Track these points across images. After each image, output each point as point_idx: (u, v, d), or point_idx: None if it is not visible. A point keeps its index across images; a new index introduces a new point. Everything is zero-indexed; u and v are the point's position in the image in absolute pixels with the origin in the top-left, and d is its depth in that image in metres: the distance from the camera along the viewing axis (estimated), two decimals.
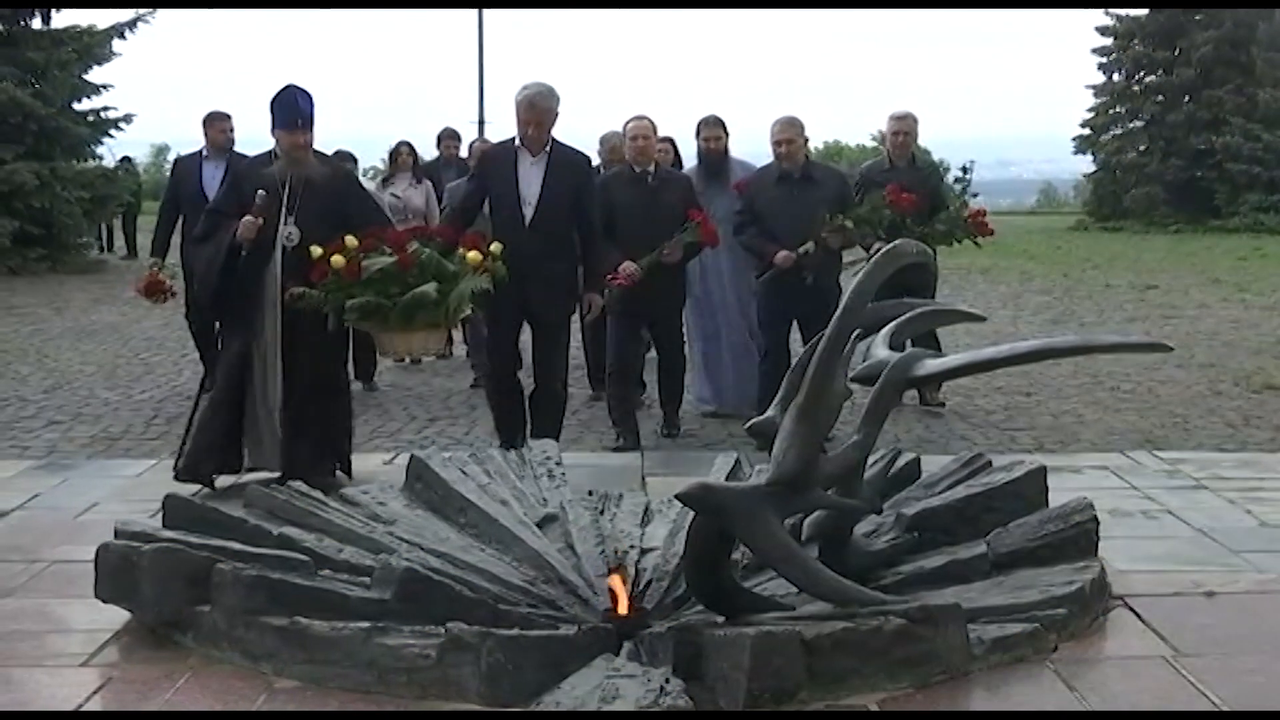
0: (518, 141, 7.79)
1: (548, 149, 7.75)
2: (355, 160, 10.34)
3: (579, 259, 7.97)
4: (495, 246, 6.98)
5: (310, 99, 7.22)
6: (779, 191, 8.86)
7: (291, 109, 7.17)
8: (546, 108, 7.69)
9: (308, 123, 7.21)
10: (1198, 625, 4.86)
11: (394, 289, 6.57)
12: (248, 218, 6.99)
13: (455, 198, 9.02)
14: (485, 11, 40.21)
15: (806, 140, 9.14)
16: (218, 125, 10.50)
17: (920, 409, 9.67)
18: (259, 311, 7.10)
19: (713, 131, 9.68)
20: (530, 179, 7.70)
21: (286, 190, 7.11)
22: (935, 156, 45.00)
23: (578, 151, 8.05)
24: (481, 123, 37.08)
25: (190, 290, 8.53)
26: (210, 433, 7.20)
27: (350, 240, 6.68)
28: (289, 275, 6.93)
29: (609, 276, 8.41)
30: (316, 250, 6.69)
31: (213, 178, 10.47)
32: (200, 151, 10.53)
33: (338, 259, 6.59)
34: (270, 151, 7.38)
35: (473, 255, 6.73)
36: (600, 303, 8.04)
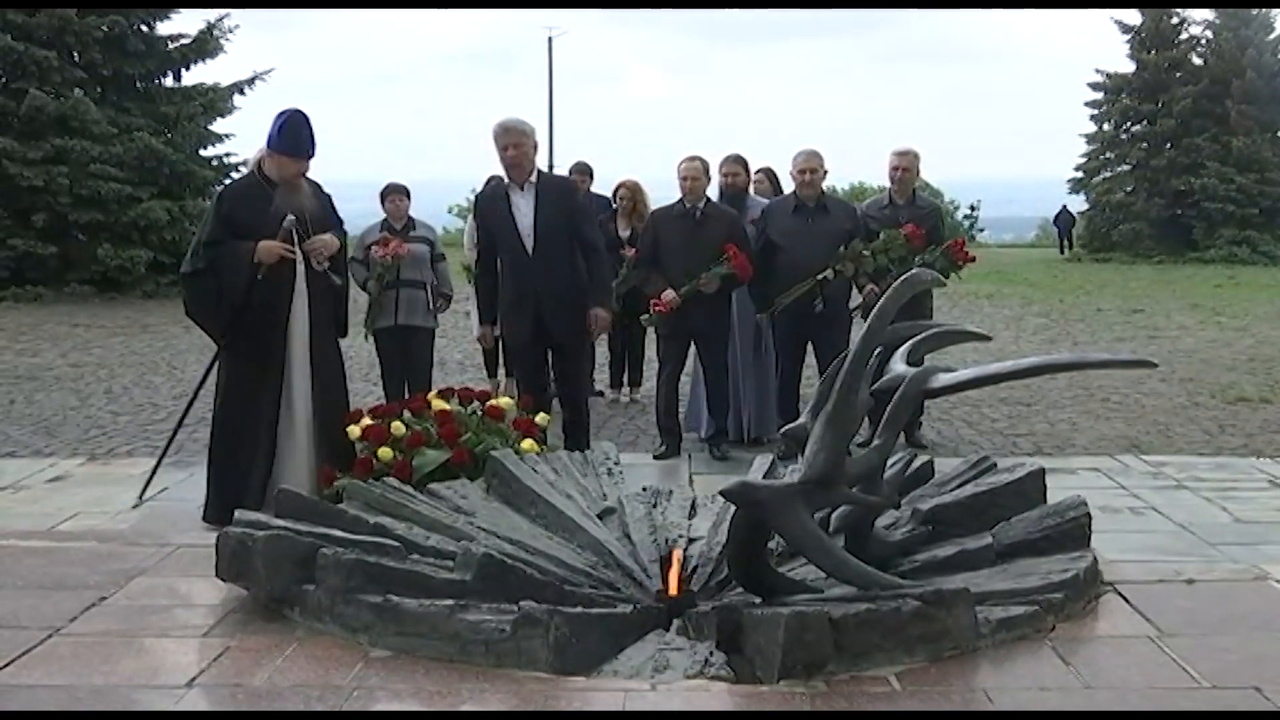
0: (506, 179, 7.51)
1: (534, 179, 7.46)
2: (408, 194, 9.76)
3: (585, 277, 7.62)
4: (541, 417, 6.73)
5: (312, 127, 6.49)
6: (794, 220, 8.59)
7: (304, 139, 6.41)
8: (521, 130, 7.36)
9: (313, 151, 6.50)
10: (1179, 608, 4.80)
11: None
12: (275, 244, 6.33)
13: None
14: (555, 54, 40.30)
15: (826, 173, 8.79)
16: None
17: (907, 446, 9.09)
18: (282, 338, 6.46)
19: (732, 169, 9.22)
20: (524, 211, 7.42)
21: (300, 221, 6.43)
22: (948, 196, 44.69)
23: (562, 178, 7.86)
24: (550, 165, 37.30)
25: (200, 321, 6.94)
26: (242, 477, 6.44)
27: (398, 427, 6.17)
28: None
29: (652, 303, 8.39)
30: (354, 430, 6.21)
31: None
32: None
33: (385, 452, 6.11)
34: (258, 176, 6.57)
35: (528, 444, 6.29)
36: (606, 318, 7.70)
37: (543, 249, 7.40)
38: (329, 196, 6.90)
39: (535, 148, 7.49)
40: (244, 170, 23.50)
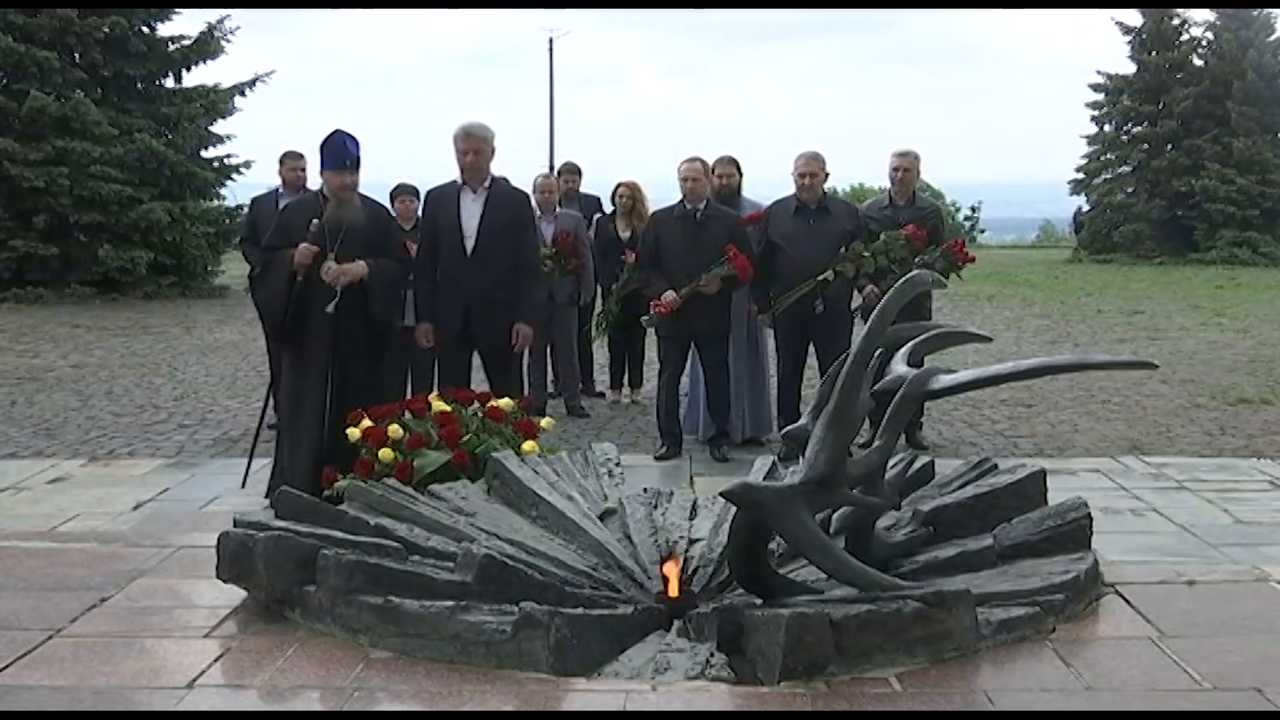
0: (460, 180, 7.58)
1: (487, 185, 7.55)
2: (418, 194, 9.73)
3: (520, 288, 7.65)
4: (547, 421, 6.78)
5: (357, 143, 6.99)
6: (797, 222, 8.60)
7: (340, 151, 6.92)
8: (482, 137, 7.51)
9: (355, 164, 6.98)
10: (1180, 610, 4.80)
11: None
12: (303, 245, 6.81)
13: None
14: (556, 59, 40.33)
15: (827, 175, 8.79)
16: (289, 164, 9.97)
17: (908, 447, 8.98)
18: (315, 334, 6.86)
19: (726, 169, 9.30)
20: (471, 212, 7.51)
21: (329, 232, 6.83)
22: (950, 197, 44.62)
23: (516, 189, 7.83)
24: (551, 166, 37.25)
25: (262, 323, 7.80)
26: (304, 468, 6.71)
27: (395, 430, 6.19)
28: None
29: (653, 304, 8.39)
30: (354, 432, 6.28)
31: None
32: (276, 190, 10.04)
33: (386, 453, 6.12)
34: (318, 192, 7.17)
35: (529, 445, 6.28)
36: (528, 334, 7.66)
37: (482, 252, 7.47)
38: (386, 215, 7.47)
39: (493, 154, 7.59)
40: (246, 172, 23.80)
